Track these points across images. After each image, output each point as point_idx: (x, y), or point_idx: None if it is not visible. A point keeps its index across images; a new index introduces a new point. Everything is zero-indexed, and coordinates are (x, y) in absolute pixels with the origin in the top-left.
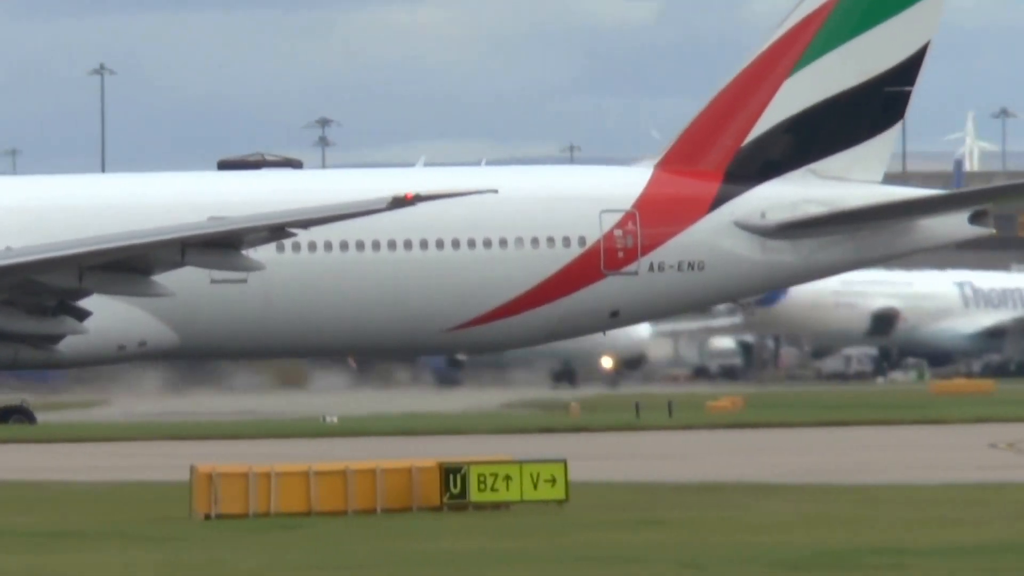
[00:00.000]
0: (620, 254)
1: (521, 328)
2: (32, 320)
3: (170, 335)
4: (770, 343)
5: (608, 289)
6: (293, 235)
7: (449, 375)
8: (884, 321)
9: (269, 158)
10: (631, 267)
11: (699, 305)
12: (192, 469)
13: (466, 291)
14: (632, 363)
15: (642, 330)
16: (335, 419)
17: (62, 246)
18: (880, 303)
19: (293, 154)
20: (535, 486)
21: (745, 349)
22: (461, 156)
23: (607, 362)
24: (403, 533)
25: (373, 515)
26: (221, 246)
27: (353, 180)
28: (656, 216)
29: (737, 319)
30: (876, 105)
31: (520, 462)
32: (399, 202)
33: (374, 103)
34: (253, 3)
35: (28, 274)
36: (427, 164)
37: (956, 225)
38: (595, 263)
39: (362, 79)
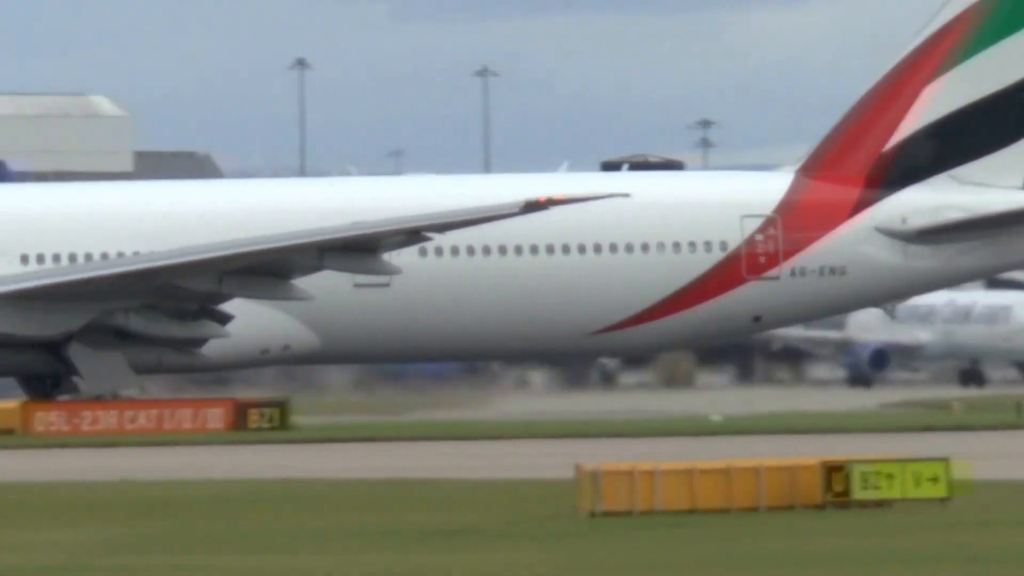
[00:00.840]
0: (762, 259)
1: (663, 332)
2: (174, 324)
3: (313, 339)
4: None
5: (750, 294)
6: (429, 239)
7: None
8: None
9: (651, 159)
10: (773, 272)
11: (840, 310)
12: (577, 467)
13: (608, 295)
14: None
15: None
16: (720, 417)
17: (200, 250)
18: None
19: (675, 156)
20: (917, 484)
21: None
22: None
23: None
24: (787, 531)
25: (756, 513)
26: (359, 250)
27: (489, 185)
28: (798, 221)
29: None
30: (1018, 110)
31: (902, 460)
32: (532, 206)
33: (756, 105)
34: (637, 6)
35: (168, 278)
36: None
37: None
38: (737, 268)
39: (745, 81)
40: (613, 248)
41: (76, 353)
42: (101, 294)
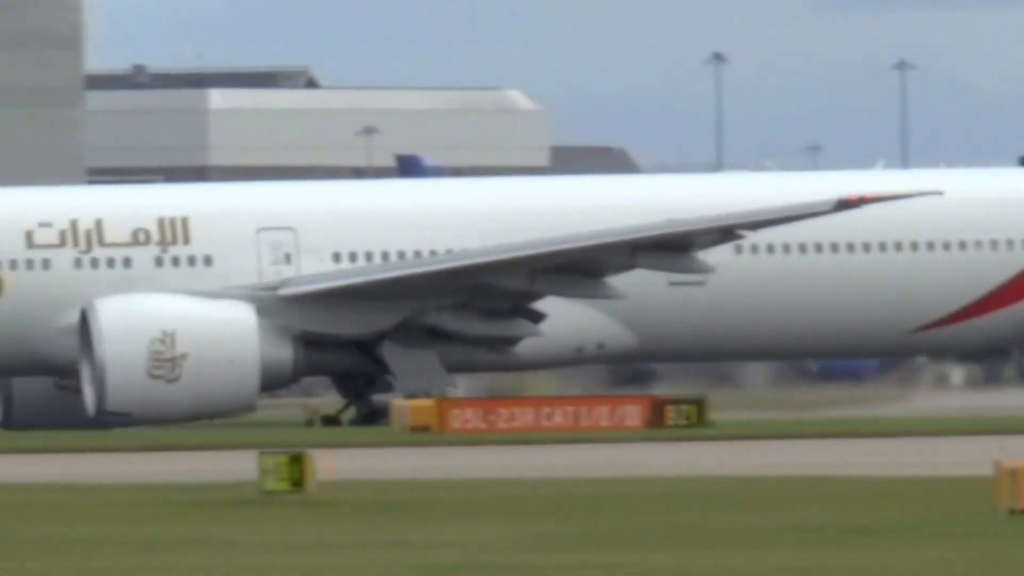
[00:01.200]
0: None
1: (986, 330)
2: (487, 323)
3: (628, 337)
4: None
5: None
6: (742, 237)
7: None
8: None
9: None
10: None
11: None
12: (995, 464)
13: (928, 292)
14: None
15: None
16: None
17: (511, 248)
18: None
19: None
20: None
21: None
22: None
23: None
24: None
25: None
26: (672, 248)
27: (800, 183)
28: None
29: None
30: None
31: None
32: (844, 204)
33: None
34: None
35: (479, 276)
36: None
37: None
38: None
39: None
40: (931, 246)
41: (388, 352)
42: (413, 293)
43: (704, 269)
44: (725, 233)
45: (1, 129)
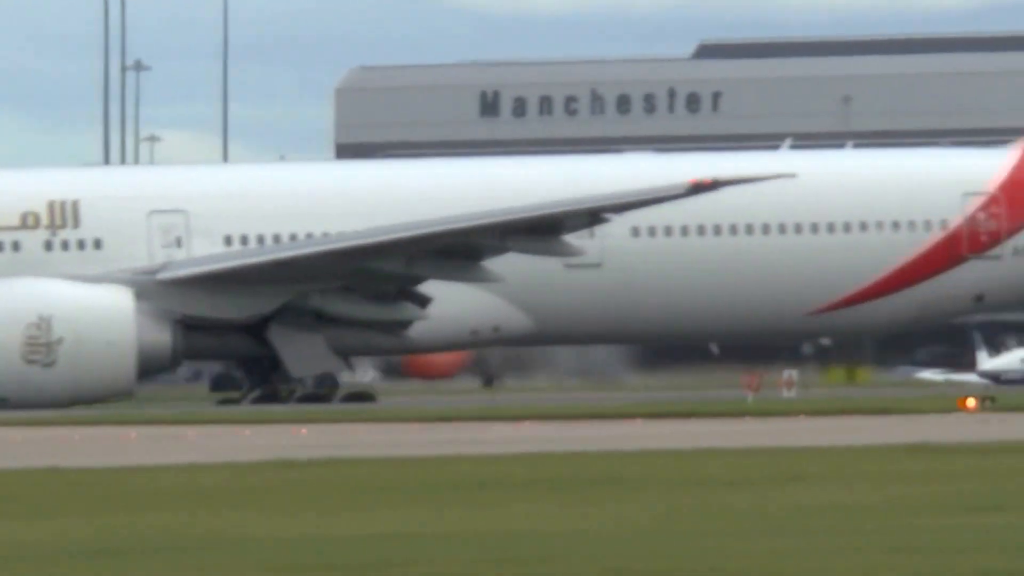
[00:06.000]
0: (983, 237)
1: (883, 312)
2: (372, 306)
3: (524, 320)
4: None
5: (971, 273)
6: (607, 220)
7: None
8: None
9: None
10: (995, 251)
11: None
12: None
13: (825, 275)
14: None
15: None
16: None
17: (386, 231)
18: None
19: None
20: None
21: None
22: None
23: None
24: None
25: None
26: (542, 231)
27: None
28: (1021, 199)
29: None
30: None
31: None
32: (699, 187)
33: None
34: None
35: (359, 260)
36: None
37: None
38: (957, 247)
39: None
40: (831, 227)
41: (276, 335)
42: (294, 276)
43: (575, 252)
44: (593, 216)
45: None
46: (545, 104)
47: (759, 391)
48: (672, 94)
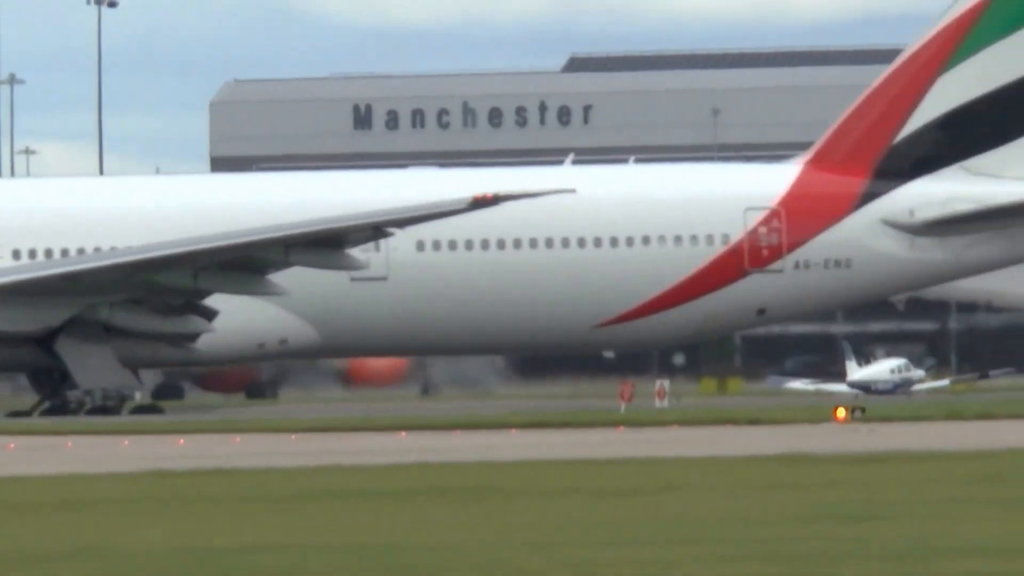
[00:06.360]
0: (764, 252)
1: (667, 325)
2: (159, 319)
3: (311, 333)
4: None
5: (753, 287)
6: (391, 234)
7: None
8: None
9: None
10: (776, 265)
11: (846, 303)
12: None
13: (610, 288)
14: None
15: None
16: None
17: (173, 245)
18: None
19: None
20: None
21: None
22: None
23: None
24: None
25: None
26: (325, 245)
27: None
28: (802, 214)
29: None
30: None
31: None
32: (480, 202)
33: None
34: None
35: (145, 273)
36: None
37: None
38: (739, 261)
39: None
40: (614, 242)
41: (64, 348)
42: (81, 289)
43: (357, 266)
44: (376, 230)
45: None
46: (418, 117)
47: (632, 401)
48: (543, 107)
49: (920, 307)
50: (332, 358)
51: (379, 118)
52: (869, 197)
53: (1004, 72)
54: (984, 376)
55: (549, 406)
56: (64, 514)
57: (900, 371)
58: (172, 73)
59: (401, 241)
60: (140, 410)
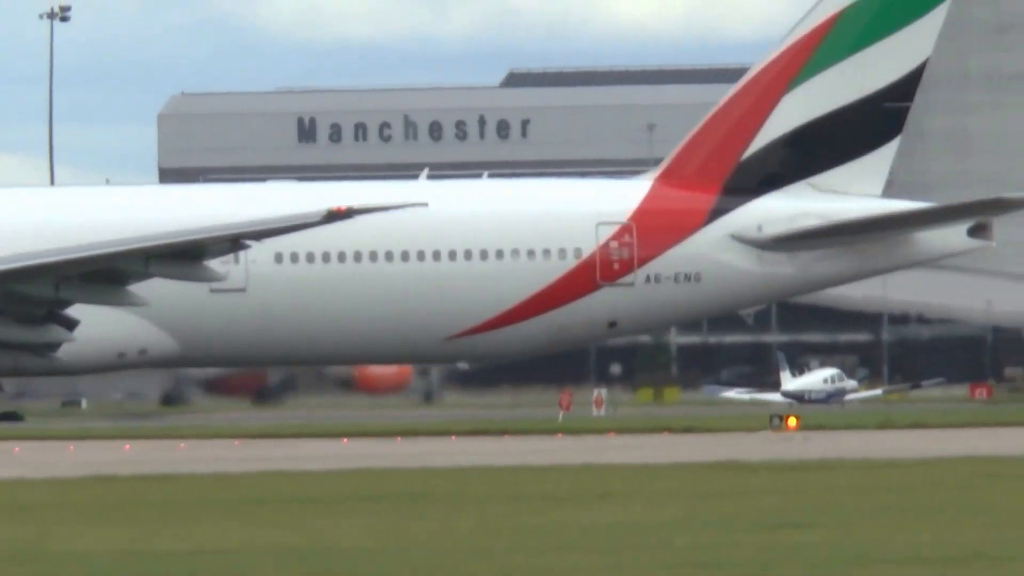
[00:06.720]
0: (615, 265)
1: (519, 337)
2: (20, 328)
3: (171, 343)
4: None
5: (604, 300)
6: (248, 246)
7: None
8: None
9: None
10: (627, 278)
11: (696, 316)
12: None
13: (464, 301)
14: None
15: None
16: None
17: (34, 256)
18: None
19: None
20: None
21: None
22: None
23: None
24: None
25: None
26: (184, 257)
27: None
28: (652, 228)
29: None
30: (875, 120)
31: None
32: (333, 215)
33: None
34: None
35: (7, 283)
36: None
37: (955, 238)
38: (591, 274)
39: None
40: (468, 255)
41: None
42: None
43: (216, 277)
44: (234, 242)
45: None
46: (360, 130)
47: (570, 409)
48: (482, 121)
49: (852, 318)
50: (191, 367)
51: (323, 131)
52: (718, 213)
53: (848, 91)
54: (916, 386)
55: (487, 415)
56: (9, 517)
57: (833, 381)
58: (122, 86)
59: (260, 253)
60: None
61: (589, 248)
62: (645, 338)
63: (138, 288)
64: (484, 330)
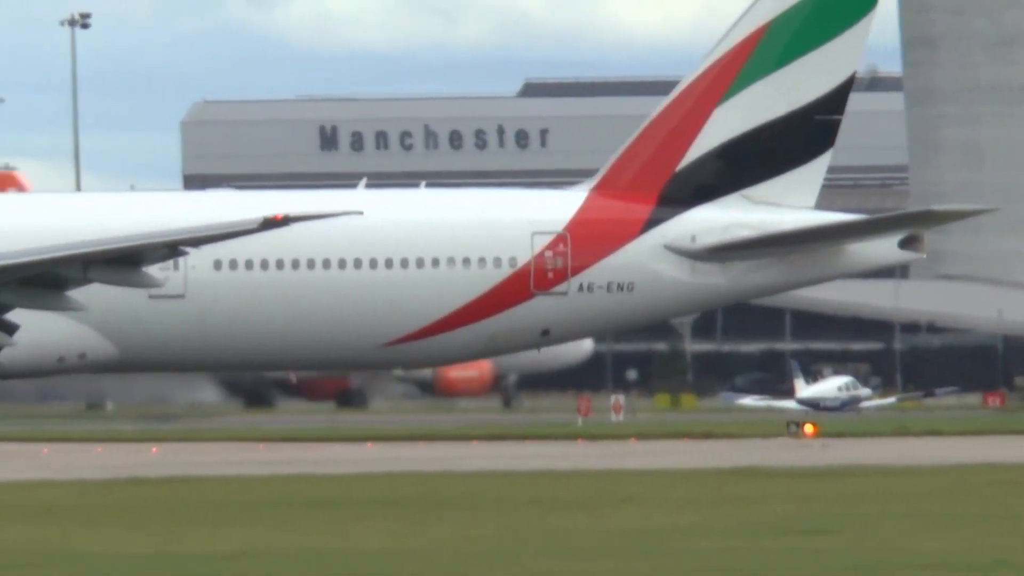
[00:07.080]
0: (550, 275)
1: (454, 344)
2: None
3: (109, 348)
4: None
5: (538, 308)
6: (186, 253)
7: None
8: None
9: None
10: (560, 287)
11: (629, 325)
12: None
13: (400, 308)
14: None
15: None
16: None
17: None
18: None
19: None
20: None
21: None
22: None
23: None
24: None
25: None
26: (122, 263)
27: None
28: (587, 238)
29: None
30: (806, 133)
31: None
32: (270, 223)
33: None
34: None
35: None
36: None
37: (886, 250)
38: (525, 283)
39: None
40: (404, 263)
41: None
42: None
43: (154, 284)
44: (171, 249)
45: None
46: (381, 139)
47: (589, 415)
48: (501, 130)
49: (864, 327)
50: (131, 372)
51: (344, 139)
52: (653, 223)
53: (779, 104)
54: (930, 394)
55: (508, 419)
56: (38, 519)
57: (848, 389)
58: (145, 93)
59: (199, 260)
60: None
61: (524, 257)
62: (661, 345)
63: (77, 293)
64: (420, 337)
